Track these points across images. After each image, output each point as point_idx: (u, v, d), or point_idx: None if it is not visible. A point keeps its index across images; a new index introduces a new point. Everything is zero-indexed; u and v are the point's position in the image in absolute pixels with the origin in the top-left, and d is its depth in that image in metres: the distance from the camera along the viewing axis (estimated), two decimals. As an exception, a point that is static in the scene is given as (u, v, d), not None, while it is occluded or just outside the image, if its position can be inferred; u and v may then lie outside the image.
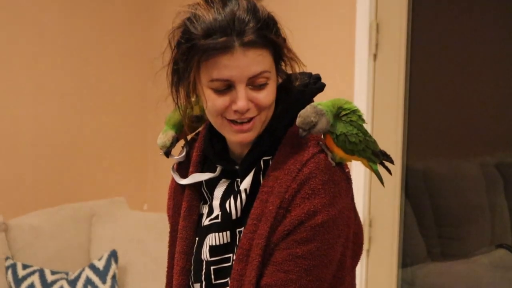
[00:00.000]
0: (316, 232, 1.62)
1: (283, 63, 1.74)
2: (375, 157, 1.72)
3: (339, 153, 1.67)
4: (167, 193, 4.11)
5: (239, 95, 1.63)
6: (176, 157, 1.90)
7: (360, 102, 3.32)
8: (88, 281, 3.36)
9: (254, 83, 1.64)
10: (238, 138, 1.69)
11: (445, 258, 3.77)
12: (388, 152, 1.77)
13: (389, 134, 3.34)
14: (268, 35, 1.64)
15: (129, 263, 3.51)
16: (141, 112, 4.25)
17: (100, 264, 3.41)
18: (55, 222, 3.57)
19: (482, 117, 3.66)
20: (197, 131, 1.92)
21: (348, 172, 1.74)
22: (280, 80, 1.74)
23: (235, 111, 1.65)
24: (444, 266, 3.78)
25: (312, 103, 1.67)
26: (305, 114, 1.63)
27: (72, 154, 4.01)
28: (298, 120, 1.64)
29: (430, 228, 3.80)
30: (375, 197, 3.38)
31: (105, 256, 3.43)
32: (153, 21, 4.26)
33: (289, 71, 1.75)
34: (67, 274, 3.41)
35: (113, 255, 3.43)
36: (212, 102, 1.66)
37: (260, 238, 1.64)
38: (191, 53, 1.65)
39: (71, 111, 4.02)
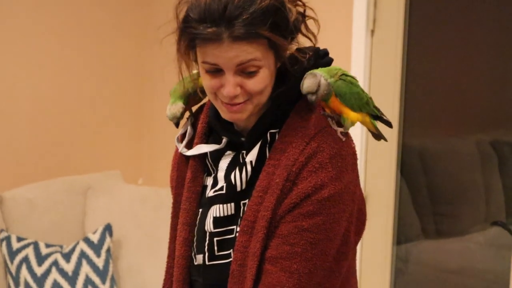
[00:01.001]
0: (322, 206, 1.62)
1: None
2: (376, 109, 1.76)
3: (348, 113, 1.69)
4: (162, 167, 4.11)
5: (226, 82, 1.64)
6: (183, 131, 1.89)
7: (357, 78, 3.31)
8: (83, 254, 3.35)
9: (244, 70, 1.63)
10: (231, 118, 1.70)
11: (439, 236, 3.79)
12: (382, 129, 1.78)
13: (385, 111, 3.28)
14: (259, 30, 1.60)
15: (124, 237, 3.50)
16: (137, 86, 4.23)
17: (95, 238, 3.40)
18: (50, 195, 3.56)
19: (478, 95, 3.66)
20: (201, 103, 1.91)
21: (354, 147, 1.74)
22: (279, 63, 1.71)
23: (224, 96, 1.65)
24: (438, 244, 3.80)
25: (307, 72, 1.68)
26: (305, 81, 1.65)
27: (67, 127, 3.99)
28: (304, 88, 1.65)
29: (424, 205, 3.81)
30: (370, 174, 3.38)
31: (100, 229, 3.43)
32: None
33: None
34: (61, 247, 3.41)
35: (108, 228, 3.42)
36: (206, 81, 1.68)
37: (266, 210, 1.64)
38: (188, 33, 1.65)
39: (66, 84, 3.99)
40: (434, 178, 3.74)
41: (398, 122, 3.35)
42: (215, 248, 1.75)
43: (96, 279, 3.32)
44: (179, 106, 1.88)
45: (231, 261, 1.71)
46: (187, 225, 1.82)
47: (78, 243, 3.40)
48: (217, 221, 1.75)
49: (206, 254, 1.76)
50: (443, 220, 3.76)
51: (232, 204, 1.74)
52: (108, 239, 3.39)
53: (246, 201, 1.72)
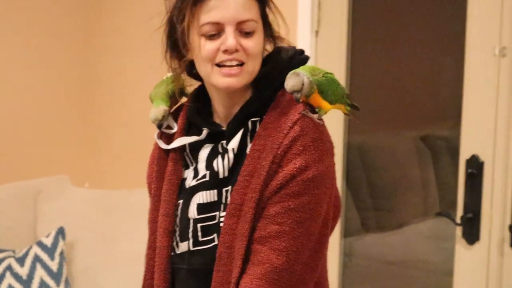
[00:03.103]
0: (307, 186, 1.70)
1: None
2: (348, 99, 1.90)
3: (325, 106, 1.80)
4: (108, 170, 4.12)
5: (228, 35, 1.73)
6: (171, 131, 1.95)
7: (303, 78, 3.40)
8: (37, 258, 3.35)
9: (242, 30, 1.75)
10: (226, 83, 1.77)
11: (379, 230, 3.89)
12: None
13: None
14: None
15: (76, 240, 3.51)
16: (82, 90, 4.22)
17: (48, 241, 3.40)
18: (0, 200, 3.55)
19: (414, 93, 3.79)
20: (179, 104, 2.00)
21: (331, 137, 1.83)
22: (267, 45, 1.85)
23: (225, 51, 1.74)
24: (379, 237, 3.90)
25: (290, 71, 1.78)
26: (290, 80, 1.75)
27: (11, 132, 3.96)
28: (289, 87, 1.75)
29: (364, 201, 3.91)
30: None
31: (53, 233, 3.43)
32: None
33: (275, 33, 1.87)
34: (14, 251, 3.40)
35: (61, 232, 3.43)
36: (204, 48, 1.75)
37: (254, 192, 1.71)
38: (184, 1, 1.75)
39: (10, 89, 3.96)
40: (373, 174, 3.84)
41: (343, 120, 3.44)
42: (199, 234, 1.81)
43: (51, 282, 3.32)
44: (161, 109, 1.96)
45: (215, 245, 1.78)
46: (167, 216, 1.88)
47: (31, 247, 3.39)
48: (201, 208, 1.82)
49: (191, 240, 1.82)
50: (383, 214, 3.86)
51: (215, 191, 1.81)
52: (61, 242, 3.40)
53: (228, 188, 1.79)
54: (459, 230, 2.94)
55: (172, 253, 1.87)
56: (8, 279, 3.29)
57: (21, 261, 3.34)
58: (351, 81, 3.46)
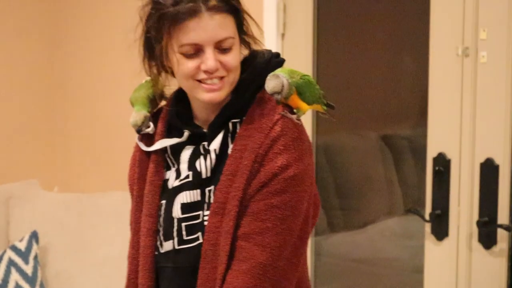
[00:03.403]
0: (288, 184, 1.77)
1: (245, 37, 1.91)
2: (324, 98, 1.98)
3: (303, 107, 1.88)
4: (77, 174, 4.13)
5: (207, 56, 1.79)
6: (147, 130, 1.99)
7: (270, 80, 3.46)
8: (11, 262, 3.37)
9: (221, 47, 1.80)
10: (208, 97, 1.83)
11: (346, 229, 3.96)
12: None
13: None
14: (230, 1, 1.81)
15: (50, 244, 3.54)
16: (48, 93, 4.23)
17: (22, 245, 3.42)
18: (-29, 206, 3.57)
19: (376, 94, 3.86)
20: (158, 107, 2.05)
21: (308, 136, 1.90)
22: (243, 52, 1.90)
23: (205, 71, 1.79)
24: (345, 236, 3.97)
25: (270, 73, 1.84)
26: (270, 82, 1.83)
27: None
28: (270, 89, 1.81)
29: (330, 201, 3.98)
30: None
31: (26, 237, 3.45)
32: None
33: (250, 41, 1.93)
34: (-13, 256, 3.42)
35: (34, 236, 3.45)
36: (184, 66, 1.81)
37: (237, 190, 1.78)
38: (162, 21, 1.80)
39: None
40: (338, 174, 3.91)
41: (311, 122, 3.50)
42: (184, 232, 1.87)
43: (26, 286, 3.34)
44: (141, 114, 2.00)
45: (199, 243, 1.83)
46: (150, 216, 1.93)
47: (5, 251, 3.42)
48: (185, 207, 1.87)
49: (175, 239, 1.88)
50: (349, 214, 3.93)
51: (198, 190, 1.87)
52: (35, 246, 3.43)
53: (211, 187, 1.85)
54: (428, 227, 3.02)
55: (156, 253, 1.92)
56: (-17, 284, 3.32)
57: (-5, 265, 3.37)
58: (317, 82, 3.50)
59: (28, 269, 3.38)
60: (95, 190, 3.92)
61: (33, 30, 4.17)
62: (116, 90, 4.05)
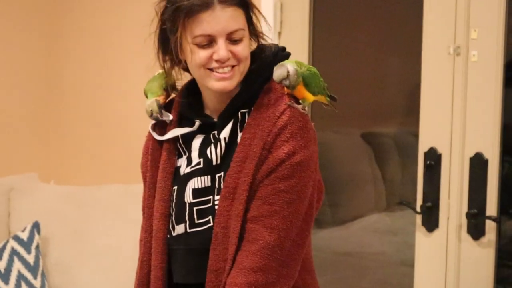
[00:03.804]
0: (294, 170, 1.89)
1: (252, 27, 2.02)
2: (328, 90, 2.11)
3: (309, 98, 2.00)
4: (73, 168, 4.20)
5: (220, 46, 1.90)
6: (162, 118, 2.09)
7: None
8: (14, 251, 3.46)
9: (232, 38, 1.92)
10: (220, 86, 1.94)
11: (334, 224, 4.05)
12: None
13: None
14: None
15: (51, 234, 3.62)
16: (44, 88, 4.29)
17: (24, 235, 3.51)
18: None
19: (363, 92, 3.97)
20: (170, 97, 2.16)
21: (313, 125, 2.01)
22: (251, 45, 2.02)
23: (217, 61, 1.91)
24: (332, 231, 4.06)
25: (284, 63, 1.98)
26: (277, 71, 1.96)
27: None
28: (276, 77, 1.94)
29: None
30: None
31: (28, 227, 3.53)
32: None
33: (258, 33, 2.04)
34: (-11, 246, 3.50)
35: (36, 226, 3.54)
36: (197, 55, 1.92)
37: (247, 176, 1.89)
38: (177, 13, 1.91)
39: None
40: (323, 171, 3.99)
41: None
42: (195, 216, 1.98)
43: (28, 275, 3.43)
44: (152, 101, 2.10)
45: (211, 226, 1.94)
46: (163, 201, 2.04)
47: (8, 241, 3.50)
48: (196, 192, 1.98)
49: (187, 222, 1.98)
50: (335, 210, 4.02)
51: (209, 176, 1.98)
52: (36, 236, 3.51)
53: (221, 173, 1.97)
54: (419, 219, 3.13)
55: (168, 236, 2.02)
56: (-14, 272, 3.40)
57: (-2, 255, 3.45)
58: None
59: (30, 258, 3.46)
60: (90, 184, 4.00)
61: (30, 27, 4.24)
62: (111, 86, 4.14)
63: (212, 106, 2.03)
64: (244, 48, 1.94)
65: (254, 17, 2.00)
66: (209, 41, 1.90)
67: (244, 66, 1.96)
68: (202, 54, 1.91)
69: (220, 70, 1.92)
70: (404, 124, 3.79)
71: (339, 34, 3.87)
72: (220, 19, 1.89)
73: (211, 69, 1.93)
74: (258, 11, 2.01)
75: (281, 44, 3.58)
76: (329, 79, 3.86)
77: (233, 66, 1.93)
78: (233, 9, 1.91)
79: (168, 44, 1.97)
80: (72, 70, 4.26)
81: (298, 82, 1.96)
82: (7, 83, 4.16)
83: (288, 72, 1.93)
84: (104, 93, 4.18)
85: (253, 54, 2.02)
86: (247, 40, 1.96)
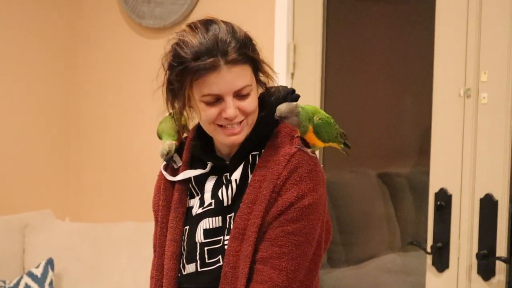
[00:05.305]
0: (303, 213, 1.92)
1: (261, 74, 2.04)
2: (341, 138, 2.11)
3: (318, 144, 2.03)
4: (88, 205, 4.24)
5: (227, 105, 1.94)
6: (173, 163, 2.13)
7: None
8: (27, 287, 3.50)
9: (239, 95, 1.95)
10: (230, 141, 1.99)
11: (347, 264, 4.06)
12: None
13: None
14: (247, 53, 1.96)
15: (65, 270, 3.66)
16: (63, 124, 4.35)
17: (38, 272, 3.55)
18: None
19: (377, 132, 4.00)
20: (183, 137, 2.19)
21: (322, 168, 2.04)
22: (259, 90, 2.05)
23: (225, 118, 1.95)
24: (346, 271, 4.07)
25: (295, 103, 2.01)
26: (282, 106, 1.98)
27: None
28: (280, 113, 1.97)
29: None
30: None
31: (42, 263, 3.58)
32: (76, 14, 4.34)
33: (266, 81, 2.07)
34: (4, 282, 3.53)
35: (50, 262, 3.58)
36: (205, 113, 1.97)
37: (256, 217, 1.92)
38: (184, 74, 1.95)
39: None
40: (339, 210, 4.01)
41: (319, 158, 3.62)
42: (206, 256, 2.01)
43: (41, 311, 3.47)
44: (166, 144, 2.14)
45: (220, 265, 1.97)
46: (174, 241, 2.07)
47: (22, 277, 3.54)
48: (207, 233, 2.02)
49: (198, 262, 2.02)
50: (349, 249, 4.03)
51: (220, 217, 2.02)
52: (50, 273, 3.55)
53: (232, 214, 2.00)
54: (429, 259, 3.15)
55: (179, 274, 2.05)
56: (0, 308, 3.43)
57: (13, 290, 3.49)
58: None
59: (44, 295, 3.51)
60: (104, 221, 4.05)
61: (47, 64, 4.31)
62: (127, 125, 4.19)
63: (223, 150, 2.07)
64: (251, 102, 1.98)
65: (261, 68, 2.02)
66: (217, 99, 1.94)
67: (253, 118, 2.00)
68: (211, 112, 1.95)
69: (229, 126, 1.96)
70: (418, 163, 3.82)
71: (352, 75, 3.92)
72: (227, 79, 1.92)
73: (220, 125, 1.97)
74: (265, 63, 2.03)
75: (294, 85, 3.65)
76: (342, 118, 3.93)
77: (241, 121, 1.97)
78: (239, 68, 1.93)
79: (176, 98, 2.01)
80: (88, 108, 4.32)
81: (306, 129, 1.99)
82: (25, 120, 4.23)
83: (288, 111, 1.95)
84: (120, 132, 4.24)
85: (262, 98, 2.06)
86: (254, 93, 1.99)
